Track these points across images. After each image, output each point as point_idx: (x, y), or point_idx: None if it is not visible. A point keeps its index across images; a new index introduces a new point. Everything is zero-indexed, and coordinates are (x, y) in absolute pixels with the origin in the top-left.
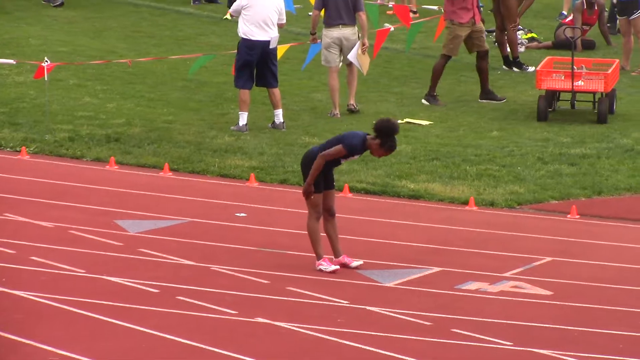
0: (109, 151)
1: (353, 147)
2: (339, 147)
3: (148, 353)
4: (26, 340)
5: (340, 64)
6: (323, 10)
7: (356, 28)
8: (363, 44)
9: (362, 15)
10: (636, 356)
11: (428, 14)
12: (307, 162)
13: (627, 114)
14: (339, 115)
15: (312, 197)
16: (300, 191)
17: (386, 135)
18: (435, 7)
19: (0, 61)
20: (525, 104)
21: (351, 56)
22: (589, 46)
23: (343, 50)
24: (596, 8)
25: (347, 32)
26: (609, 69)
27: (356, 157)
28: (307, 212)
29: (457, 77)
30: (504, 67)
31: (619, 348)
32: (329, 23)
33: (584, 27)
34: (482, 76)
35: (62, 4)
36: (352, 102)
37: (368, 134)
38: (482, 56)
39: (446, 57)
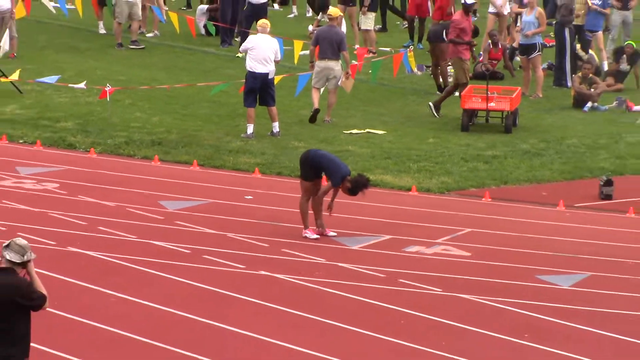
0: (153, 151)
1: (337, 185)
2: (328, 187)
3: (183, 297)
4: (95, 287)
5: (323, 87)
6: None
7: (340, 62)
8: (347, 72)
9: (345, 54)
10: (533, 299)
11: (384, 54)
12: (303, 159)
13: (526, 126)
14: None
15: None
16: (294, 181)
17: (356, 187)
18: (388, 49)
19: (76, 86)
20: (453, 119)
21: (338, 82)
22: (497, 77)
23: (328, 77)
24: (500, 47)
25: (331, 64)
26: (513, 94)
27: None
28: (298, 196)
29: (405, 100)
30: (437, 92)
31: (522, 294)
32: (320, 57)
33: (492, 62)
34: (445, 96)
35: (143, 48)
36: (327, 118)
37: (347, 176)
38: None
39: (458, 85)
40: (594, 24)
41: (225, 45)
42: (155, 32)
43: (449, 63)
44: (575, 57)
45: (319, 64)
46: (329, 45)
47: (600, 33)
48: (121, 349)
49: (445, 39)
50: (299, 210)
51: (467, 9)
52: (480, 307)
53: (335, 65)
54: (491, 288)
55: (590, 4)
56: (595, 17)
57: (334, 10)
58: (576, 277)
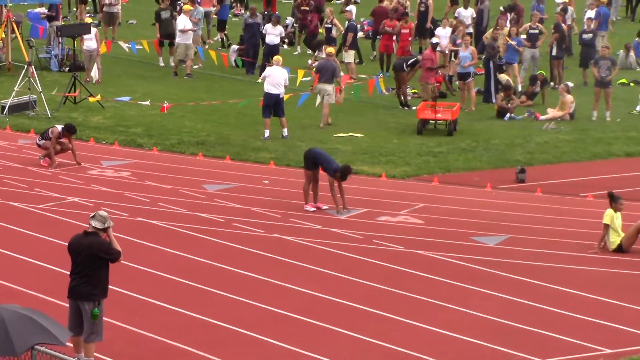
0: (198, 149)
1: (332, 175)
2: (330, 180)
3: (218, 252)
4: (156, 245)
5: (320, 101)
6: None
7: (333, 85)
8: (340, 89)
9: (339, 79)
10: (467, 254)
11: (361, 79)
12: (306, 154)
13: (463, 130)
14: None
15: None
16: (299, 170)
17: (345, 174)
18: (365, 76)
19: (143, 103)
20: (410, 125)
21: (331, 99)
22: (443, 95)
23: (324, 95)
24: (440, 74)
25: (325, 86)
26: (454, 108)
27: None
28: (302, 181)
29: (377, 113)
30: (399, 107)
31: (458, 250)
32: (319, 81)
33: (436, 84)
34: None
35: (191, 76)
36: (321, 124)
37: (335, 169)
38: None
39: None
40: (511, 58)
41: (249, 74)
42: (200, 64)
43: (409, 86)
44: (496, 81)
45: (319, 86)
46: (326, 73)
47: (515, 65)
48: (174, 290)
49: (405, 69)
50: (302, 191)
51: (434, 47)
52: (431, 260)
53: (329, 87)
54: (439, 246)
55: (509, 42)
56: (512, 53)
57: (330, 49)
58: (500, 238)
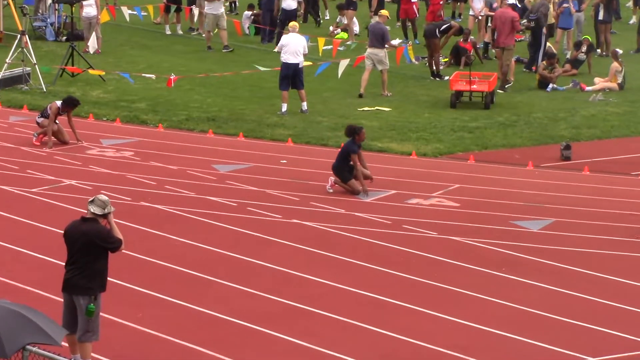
0: (208, 126)
1: (356, 150)
2: (354, 157)
3: (231, 240)
4: (161, 233)
5: (371, 69)
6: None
7: (384, 50)
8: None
9: (388, 44)
10: (507, 240)
11: (388, 48)
12: (336, 171)
13: (501, 103)
14: (363, 95)
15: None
16: (320, 148)
17: (356, 130)
18: (393, 42)
19: (147, 76)
20: (444, 98)
21: (385, 66)
22: (467, 63)
23: (374, 61)
24: (469, 41)
25: (376, 51)
26: (490, 78)
27: (360, 150)
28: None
29: (406, 84)
30: (430, 77)
31: (497, 236)
32: (369, 45)
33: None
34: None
35: (232, 50)
36: (385, 92)
37: (352, 140)
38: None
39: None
40: (567, 22)
41: (265, 42)
42: (211, 33)
43: (442, 54)
44: (544, 50)
45: (368, 52)
46: (375, 36)
47: (559, 30)
48: (180, 281)
49: (437, 35)
50: (324, 171)
51: (513, 7)
52: (467, 247)
53: (380, 52)
54: (476, 231)
55: (560, 8)
56: (567, 17)
57: (384, 12)
58: (543, 222)
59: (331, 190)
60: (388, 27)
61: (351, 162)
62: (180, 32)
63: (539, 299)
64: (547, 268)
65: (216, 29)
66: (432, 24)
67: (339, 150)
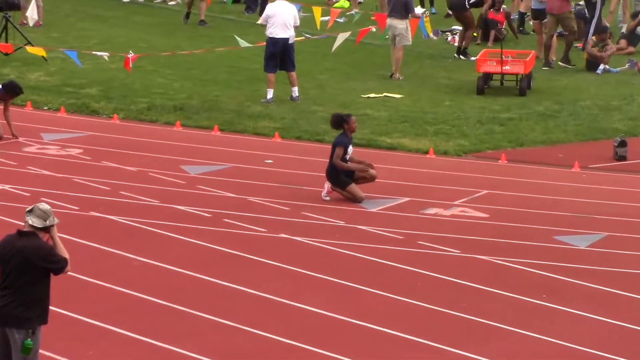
0: (175, 117)
1: (343, 142)
2: (337, 149)
3: (203, 259)
4: (117, 250)
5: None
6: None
7: (405, 21)
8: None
9: (412, 14)
10: (548, 260)
11: None
12: (330, 177)
13: (540, 89)
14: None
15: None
16: (313, 145)
17: (341, 120)
18: None
19: (99, 54)
20: (469, 82)
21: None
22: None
23: (394, 34)
24: (501, 11)
25: (397, 22)
26: (527, 57)
27: (350, 146)
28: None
29: (421, 64)
30: (455, 56)
31: (536, 255)
32: (388, 15)
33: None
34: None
35: (208, 26)
36: (396, 75)
37: (340, 132)
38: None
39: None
40: None
41: (250, 12)
42: (178, 0)
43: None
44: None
45: (388, 22)
46: (397, 5)
47: None
48: (141, 311)
49: (467, 7)
50: (320, 174)
51: None
52: (498, 268)
53: (401, 24)
54: (508, 249)
55: None
56: None
57: None
58: (593, 238)
59: (328, 198)
60: None
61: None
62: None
63: (589, 333)
64: (598, 295)
65: None
66: None
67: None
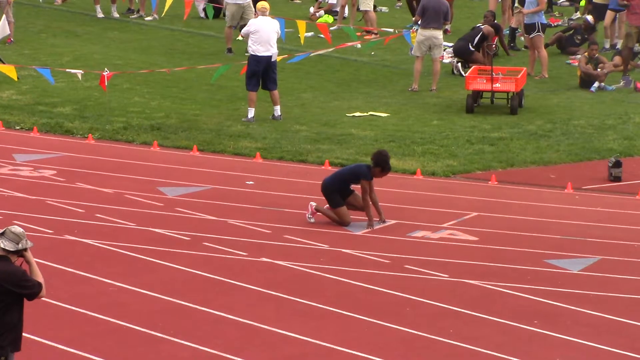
0: (152, 137)
1: (369, 177)
2: (364, 184)
3: (182, 285)
4: (93, 275)
5: (424, 55)
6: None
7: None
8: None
9: (447, 24)
10: (540, 284)
11: (386, 34)
12: (326, 191)
13: (532, 107)
14: (416, 89)
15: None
16: (296, 165)
17: (384, 162)
18: (391, 29)
19: (73, 71)
20: (458, 100)
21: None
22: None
23: (431, 46)
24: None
25: (436, 33)
26: (518, 74)
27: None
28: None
29: (408, 82)
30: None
31: (527, 279)
32: (425, 24)
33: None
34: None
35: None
36: (434, 87)
37: (369, 165)
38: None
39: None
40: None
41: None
42: (155, 15)
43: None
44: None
45: (423, 33)
46: (435, 15)
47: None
48: (118, 339)
49: (472, 49)
50: (303, 195)
51: None
52: (487, 293)
53: (440, 34)
54: (499, 273)
55: None
56: None
57: None
58: (585, 261)
59: (312, 220)
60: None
61: (352, 187)
62: (115, 14)
63: None
64: (591, 320)
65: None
66: (460, 39)
67: (340, 168)
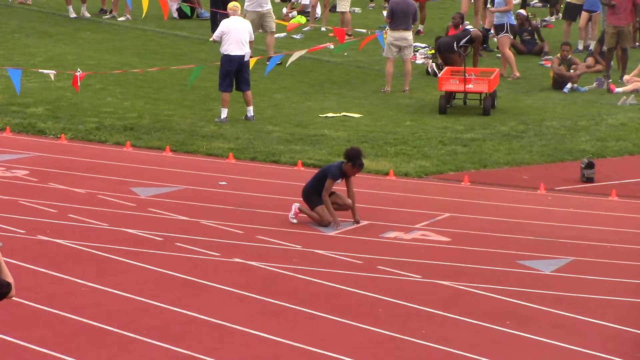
0: (125, 137)
1: (336, 176)
2: (328, 182)
3: (154, 285)
4: (65, 275)
5: (395, 57)
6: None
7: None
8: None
9: (415, 24)
10: (512, 285)
11: (359, 34)
12: (305, 195)
13: (505, 108)
14: (389, 91)
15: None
16: (269, 166)
17: (355, 158)
18: (364, 30)
19: (45, 72)
20: (430, 101)
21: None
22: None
23: (401, 47)
24: (460, 27)
25: (406, 34)
26: (491, 76)
27: (339, 181)
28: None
29: (381, 83)
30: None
31: (499, 280)
32: (394, 26)
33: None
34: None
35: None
36: (406, 87)
37: (342, 162)
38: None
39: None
40: (594, 4)
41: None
42: (128, 15)
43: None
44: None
45: (395, 35)
46: (404, 16)
47: (596, 14)
48: (90, 339)
49: (456, 50)
50: (275, 196)
51: None
52: (460, 294)
53: (409, 35)
54: (471, 274)
55: None
56: None
57: None
58: (558, 262)
59: (295, 221)
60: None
61: (324, 191)
62: (87, 14)
63: None
64: (563, 321)
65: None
66: (449, 36)
67: (313, 168)
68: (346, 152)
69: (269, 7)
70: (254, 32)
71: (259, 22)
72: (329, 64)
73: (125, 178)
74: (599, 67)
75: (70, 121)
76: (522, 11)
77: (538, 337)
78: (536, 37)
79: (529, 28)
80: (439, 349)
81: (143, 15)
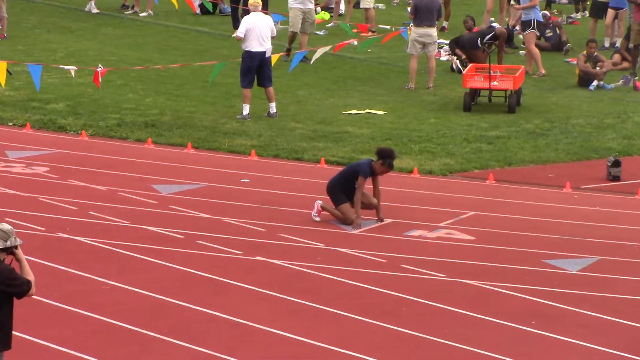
0: (147, 134)
1: (367, 174)
2: (360, 180)
3: (175, 283)
4: (85, 273)
5: (419, 54)
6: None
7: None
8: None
9: (440, 19)
10: (538, 284)
11: (382, 31)
12: (330, 190)
13: (530, 105)
14: (413, 88)
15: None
16: (291, 163)
17: (386, 157)
18: (388, 26)
19: (66, 68)
20: (455, 98)
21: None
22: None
23: (425, 43)
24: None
25: (430, 31)
26: (516, 73)
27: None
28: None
29: (405, 79)
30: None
31: (524, 279)
32: (419, 22)
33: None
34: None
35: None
36: (430, 84)
37: (372, 160)
38: None
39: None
40: (619, 1)
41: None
42: (149, 11)
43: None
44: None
45: (419, 31)
46: (429, 12)
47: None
48: (110, 338)
49: (480, 46)
50: (298, 194)
51: None
52: (484, 293)
53: (434, 31)
54: (496, 273)
55: None
56: None
57: None
58: (584, 262)
59: (318, 219)
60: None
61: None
62: (95, 10)
63: None
64: (589, 321)
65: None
66: (473, 32)
67: (337, 166)
68: (379, 149)
69: (311, 5)
70: (297, 31)
71: (300, 18)
72: (353, 61)
73: (147, 175)
74: (625, 64)
75: (91, 117)
76: (545, 12)
77: (563, 337)
78: (557, 31)
79: (551, 25)
80: (462, 348)
81: (176, 9)
